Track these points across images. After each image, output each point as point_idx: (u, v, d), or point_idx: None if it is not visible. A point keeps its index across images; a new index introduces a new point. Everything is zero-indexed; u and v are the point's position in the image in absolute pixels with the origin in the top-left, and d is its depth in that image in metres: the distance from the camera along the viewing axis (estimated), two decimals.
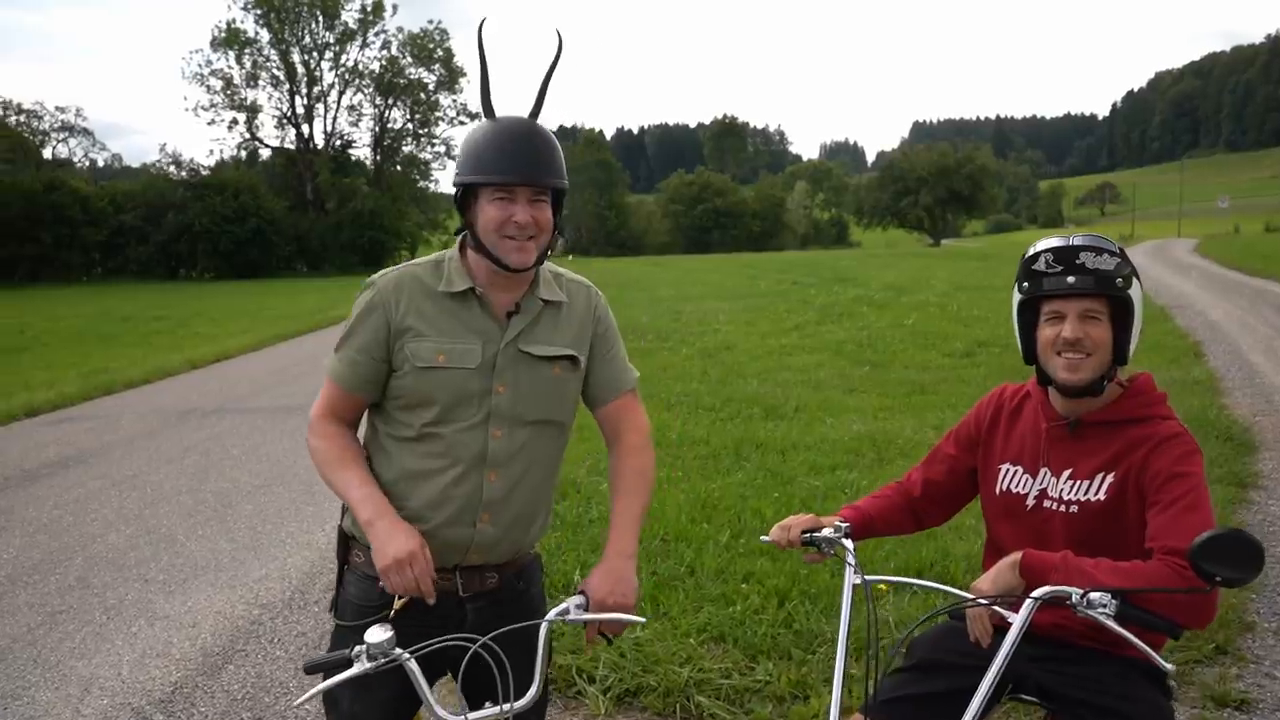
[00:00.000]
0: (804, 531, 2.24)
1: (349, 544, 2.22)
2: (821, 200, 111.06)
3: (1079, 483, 2.10)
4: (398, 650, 1.76)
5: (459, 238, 2.20)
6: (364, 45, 60.84)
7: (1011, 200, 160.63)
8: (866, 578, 2.07)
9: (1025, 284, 2.14)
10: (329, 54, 60.25)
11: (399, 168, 62.39)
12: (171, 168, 57.04)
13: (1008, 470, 2.23)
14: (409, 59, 60.78)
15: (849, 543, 2.21)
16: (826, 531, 2.23)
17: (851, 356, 12.88)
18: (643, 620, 2.01)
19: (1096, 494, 2.07)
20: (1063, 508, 2.12)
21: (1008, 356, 12.37)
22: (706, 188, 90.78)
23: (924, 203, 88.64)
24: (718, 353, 13.75)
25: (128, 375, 13.82)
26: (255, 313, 25.62)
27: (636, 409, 2.29)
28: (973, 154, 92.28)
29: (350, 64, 60.76)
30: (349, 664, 1.75)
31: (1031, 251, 2.12)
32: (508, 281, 2.11)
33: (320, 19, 59.27)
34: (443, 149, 62.54)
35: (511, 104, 2.08)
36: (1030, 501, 2.18)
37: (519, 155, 1.99)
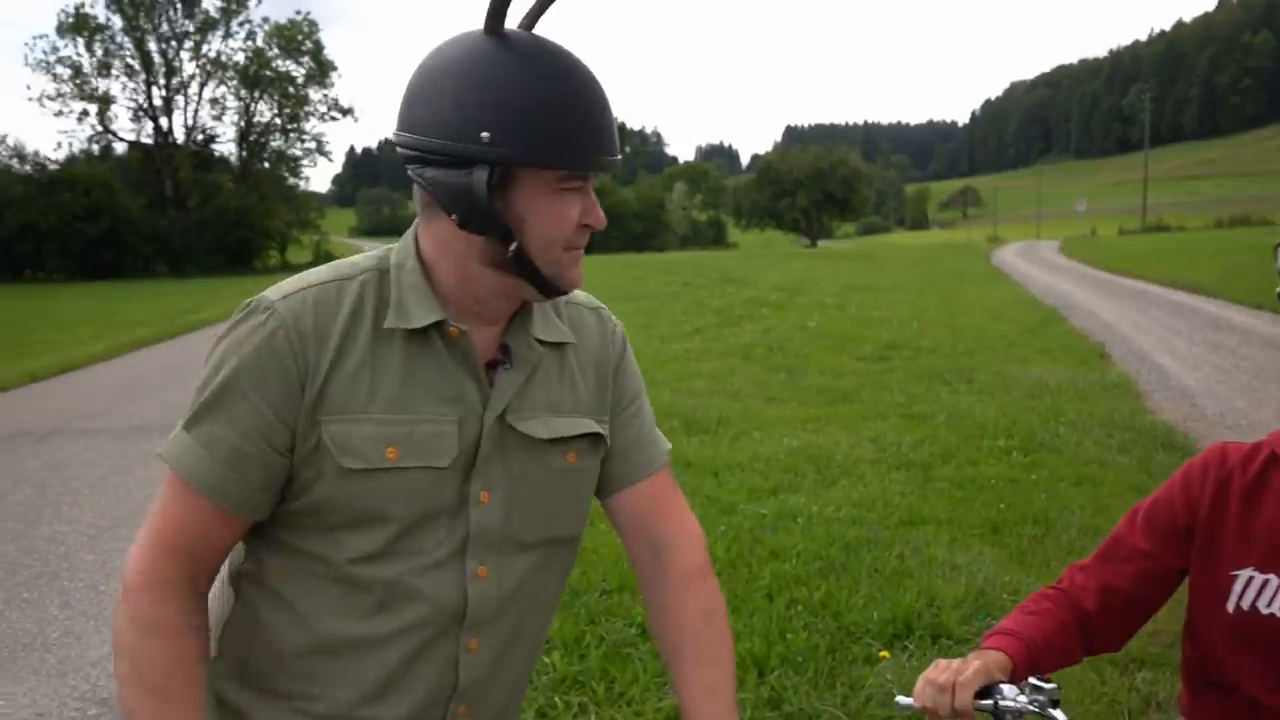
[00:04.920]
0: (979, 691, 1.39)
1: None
2: (699, 201, 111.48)
3: None
4: None
5: (413, 239, 1.27)
6: (227, 35, 57.52)
7: (880, 203, 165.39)
8: None
9: None
10: (189, 43, 56.78)
11: (266, 164, 59.27)
12: (14, 161, 52.80)
13: (1252, 579, 1.49)
14: (275, 51, 57.84)
15: (1061, 715, 1.34)
16: (1010, 690, 1.35)
17: (763, 361, 12.27)
18: None
19: None
20: None
21: (922, 359, 11.99)
22: None
23: (800, 204, 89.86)
24: None
25: None
26: (108, 317, 23.52)
27: (679, 500, 1.44)
28: (845, 157, 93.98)
29: (212, 54, 57.35)
30: None
31: None
32: (495, 312, 1.26)
33: (179, 6, 55.79)
34: (313, 145, 59.89)
35: None
36: None
37: (606, 125, 1.20)
